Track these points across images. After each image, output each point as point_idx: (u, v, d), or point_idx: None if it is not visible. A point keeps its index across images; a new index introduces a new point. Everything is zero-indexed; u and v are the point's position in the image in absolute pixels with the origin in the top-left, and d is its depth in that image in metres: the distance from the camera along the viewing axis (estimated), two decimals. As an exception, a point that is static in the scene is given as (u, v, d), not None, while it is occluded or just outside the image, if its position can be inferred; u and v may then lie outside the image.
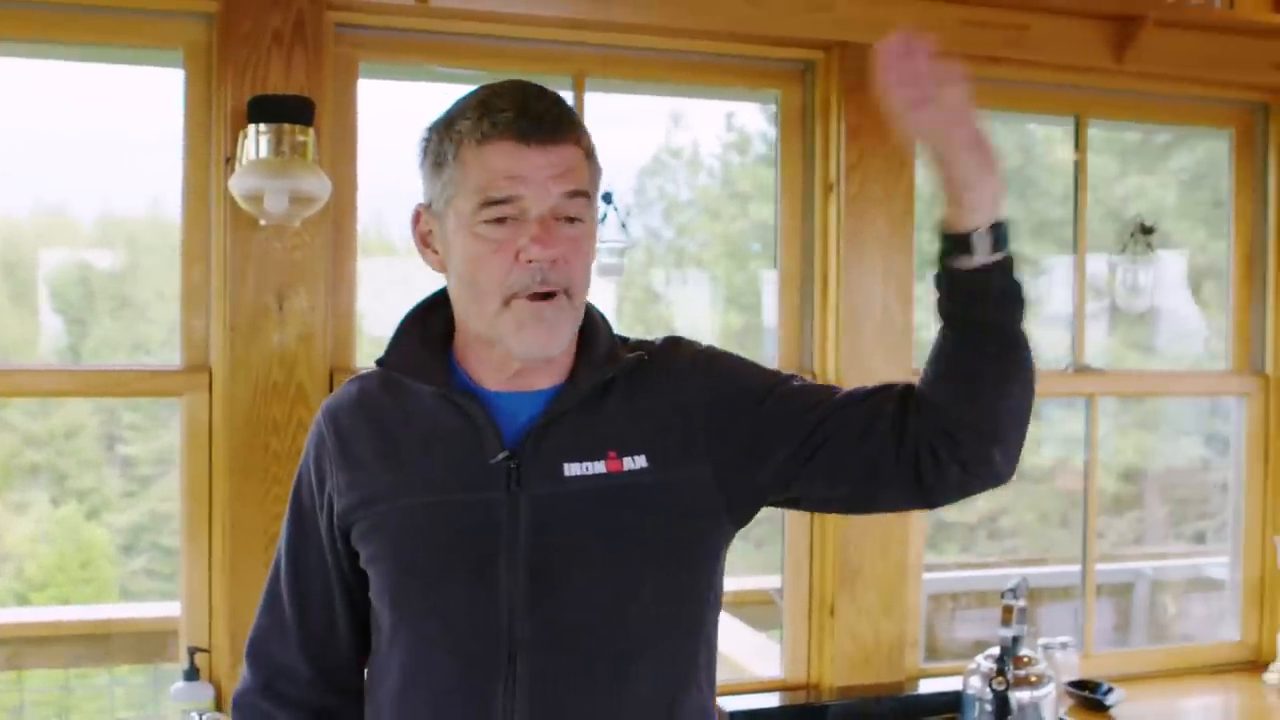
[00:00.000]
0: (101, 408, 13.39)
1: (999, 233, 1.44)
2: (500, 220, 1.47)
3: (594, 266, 1.58)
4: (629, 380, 1.58)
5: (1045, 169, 10.02)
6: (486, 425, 1.54)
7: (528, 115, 1.47)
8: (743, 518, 1.61)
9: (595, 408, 1.56)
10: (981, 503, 10.12)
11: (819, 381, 1.70)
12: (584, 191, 1.50)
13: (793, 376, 1.65)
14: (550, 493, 1.52)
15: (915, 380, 1.55)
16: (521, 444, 1.53)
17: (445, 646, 1.54)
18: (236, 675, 2.56)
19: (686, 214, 10.76)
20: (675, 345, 1.65)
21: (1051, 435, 10.10)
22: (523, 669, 1.51)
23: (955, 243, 1.45)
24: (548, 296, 1.49)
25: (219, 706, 2.60)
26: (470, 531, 1.53)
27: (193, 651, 2.61)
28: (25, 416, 12.80)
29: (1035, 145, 9.87)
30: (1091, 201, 3.39)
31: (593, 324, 1.61)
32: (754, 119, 10.65)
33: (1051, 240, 9.92)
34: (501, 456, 1.53)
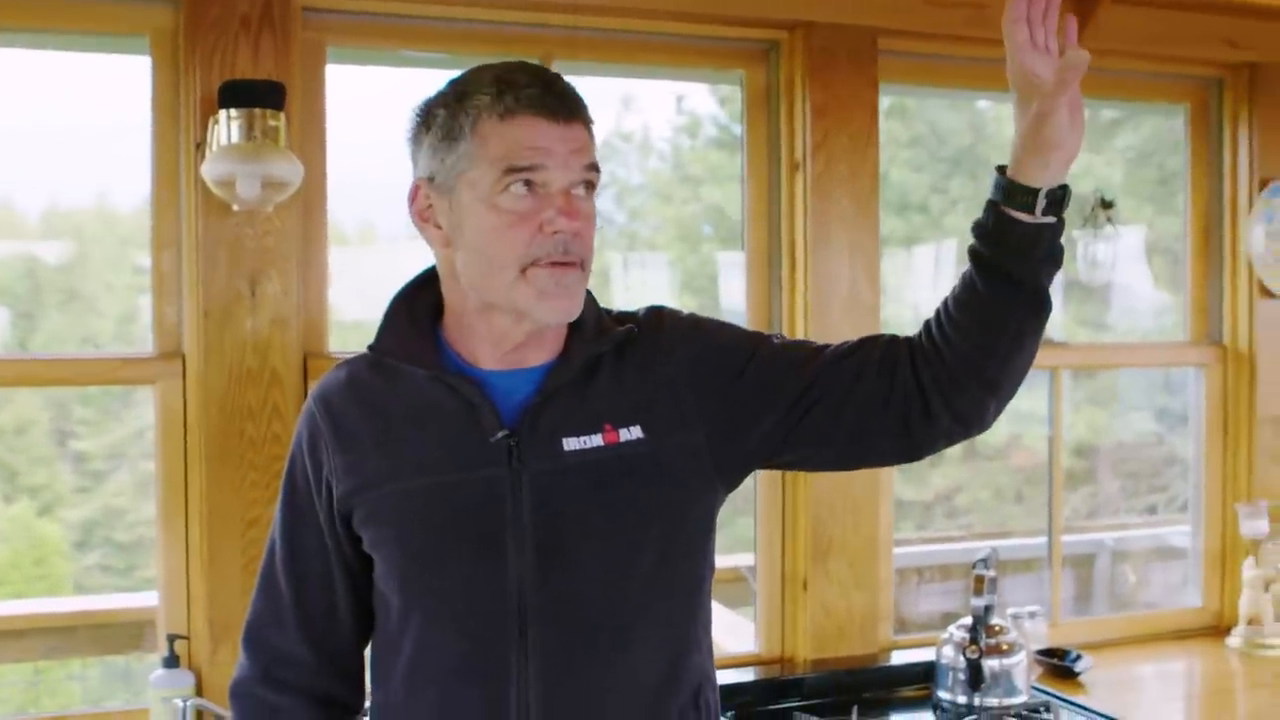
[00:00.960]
0: (52, 403, 13.24)
1: (1060, 195, 1.47)
2: (525, 191, 1.49)
3: None
4: (617, 352, 1.61)
5: (995, 147, 10.10)
6: (483, 404, 1.56)
7: (552, 92, 1.51)
8: (733, 481, 1.66)
9: (588, 382, 1.59)
10: (937, 480, 10.21)
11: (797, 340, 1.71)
12: (595, 166, 1.55)
13: (774, 336, 1.68)
14: (551, 468, 1.54)
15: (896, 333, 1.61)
16: (520, 421, 1.55)
17: (456, 625, 1.56)
18: (216, 661, 2.59)
19: (638, 198, 10.77)
20: (658, 315, 1.68)
21: (1005, 412, 10.21)
22: (534, 642, 1.53)
23: (1021, 194, 1.46)
24: (571, 265, 1.52)
25: (199, 693, 2.59)
26: (471, 510, 1.55)
27: (172, 639, 2.61)
28: (-28, 413, 12.64)
29: (986, 124, 9.95)
30: None
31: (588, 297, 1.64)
32: (704, 102, 10.66)
33: (1002, 219, 10.01)
34: (501, 434, 1.54)
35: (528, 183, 1.49)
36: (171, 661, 2.60)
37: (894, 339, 1.59)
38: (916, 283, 8.64)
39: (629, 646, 1.56)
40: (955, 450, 9.85)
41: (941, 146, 10.39)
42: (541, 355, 1.60)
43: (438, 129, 1.54)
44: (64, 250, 13.84)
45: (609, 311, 1.68)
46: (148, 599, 3.51)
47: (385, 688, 1.63)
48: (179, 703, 2.29)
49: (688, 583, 1.62)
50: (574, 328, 1.61)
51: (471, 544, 1.55)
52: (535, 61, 2.80)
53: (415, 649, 1.58)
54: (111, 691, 4.35)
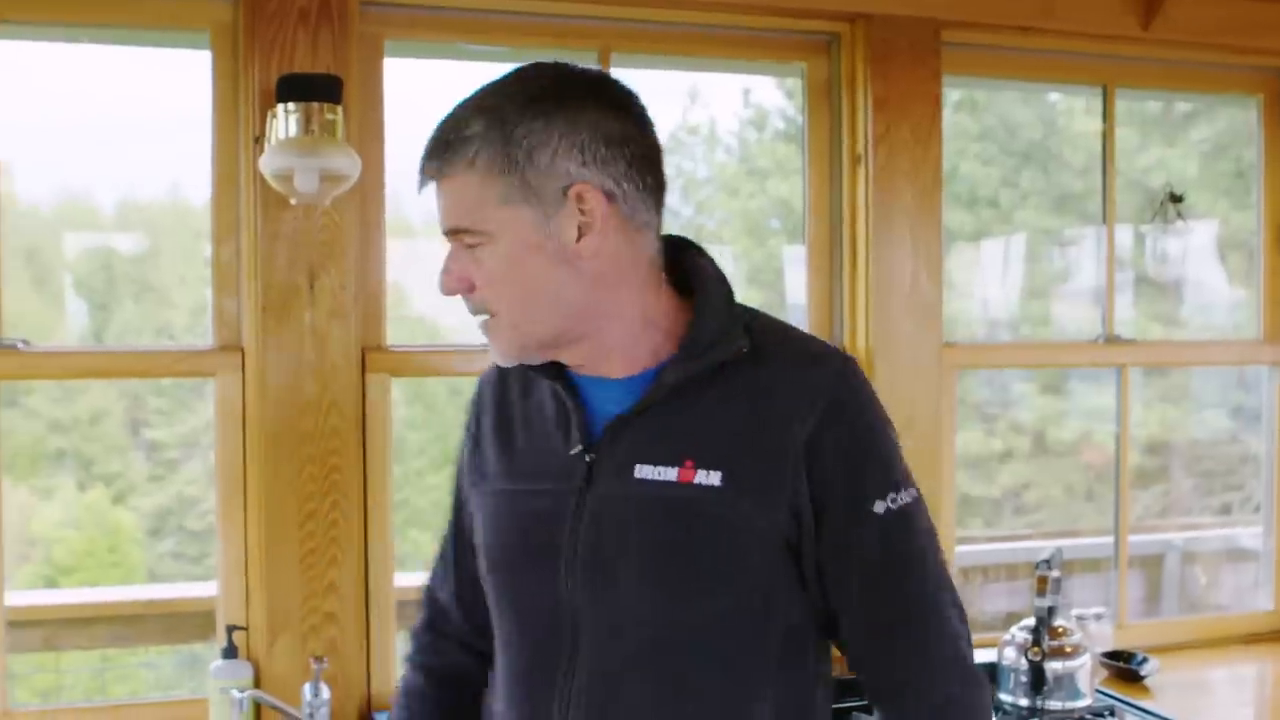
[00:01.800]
0: (126, 393, 13.43)
1: None
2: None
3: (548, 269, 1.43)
4: (737, 373, 1.46)
5: (1067, 141, 9.97)
6: (574, 414, 1.50)
7: (426, 148, 1.45)
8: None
9: (686, 405, 1.46)
10: (1005, 476, 10.10)
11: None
12: (457, 229, 1.43)
13: (891, 543, 1.47)
14: (616, 493, 1.46)
15: None
16: (601, 438, 1.49)
17: (519, 632, 1.55)
18: (274, 653, 2.61)
19: (704, 191, 10.73)
20: (839, 376, 1.47)
21: (1075, 409, 10.07)
22: (581, 663, 1.48)
23: None
24: (479, 316, 1.46)
25: (258, 684, 2.61)
26: (537, 522, 1.51)
27: (231, 630, 2.62)
28: (50, 402, 12.85)
29: (1057, 117, 9.81)
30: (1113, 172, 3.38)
31: (704, 301, 1.50)
32: (771, 95, 10.61)
33: (1074, 213, 9.88)
34: (577, 450, 1.49)
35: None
36: (230, 652, 2.62)
37: None
38: (985, 278, 8.54)
39: (669, 693, 1.47)
40: (1024, 446, 9.68)
41: (1012, 140, 10.26)
42: (624, 368, 1.50)
43: None
44: (138, 242, 14.02)
45: (752, 315, 1.52)
46: (213, 588, 3.54)
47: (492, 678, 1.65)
48: (236, 694, 2.31)
49: (746, 648, 1.48)
50: (687, 336, 1.48)
51: (532, 557, 1.52)
52: (592, 54, 2.84)
53: (500, 645, 1.59)
54: (179, 679, 4.39)
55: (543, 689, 1.50)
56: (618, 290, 1.45)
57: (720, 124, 10.76)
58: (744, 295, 1.53)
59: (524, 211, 1.40)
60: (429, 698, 1.74)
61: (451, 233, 1.44)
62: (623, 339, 1.48)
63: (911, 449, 1.51)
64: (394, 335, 2.77)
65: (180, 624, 3.68)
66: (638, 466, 1.45)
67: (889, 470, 1.46)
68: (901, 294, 2.97)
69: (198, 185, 2.70)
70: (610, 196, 1.41)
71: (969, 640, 1.50)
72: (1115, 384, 3.36)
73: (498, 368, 1.60)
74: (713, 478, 1.42)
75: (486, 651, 1.66)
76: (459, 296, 1.47)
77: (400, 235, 2.92)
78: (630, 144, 1.43)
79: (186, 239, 14.05)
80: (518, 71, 1.45)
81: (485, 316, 1.45)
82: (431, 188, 1.45)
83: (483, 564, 1.59)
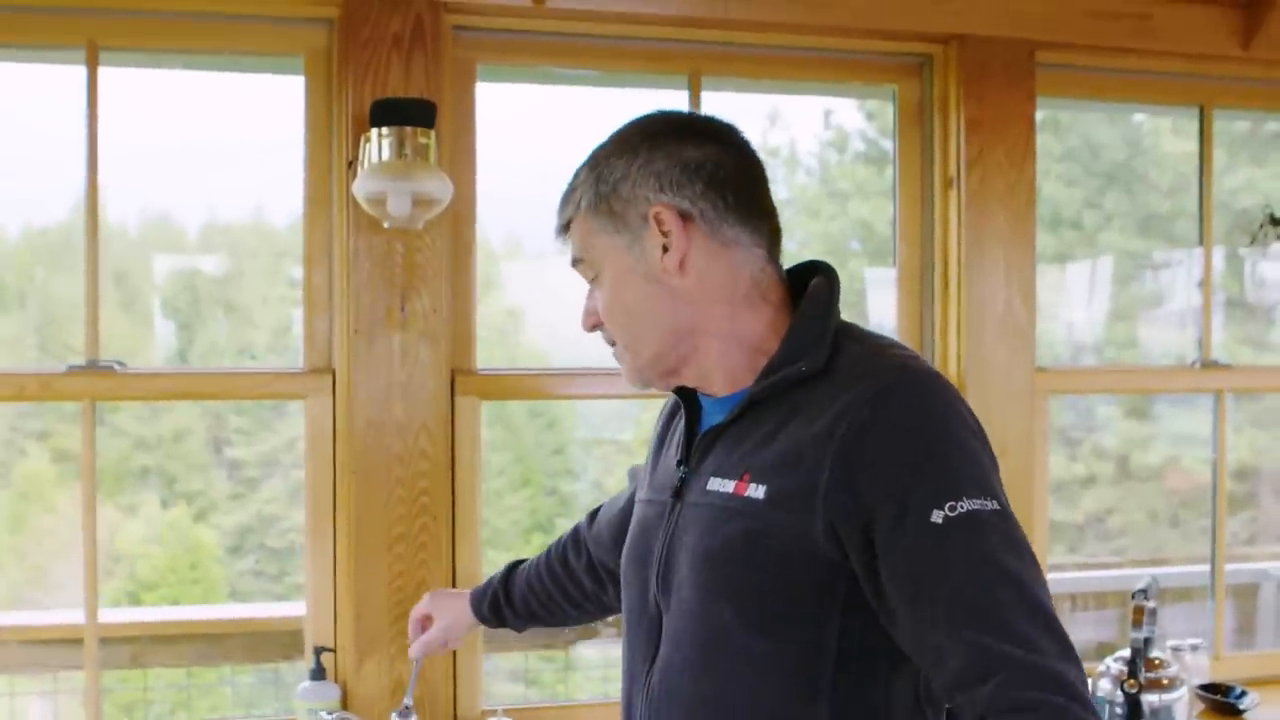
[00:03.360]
0: (209, 412, 13.60)
1: None
2: None
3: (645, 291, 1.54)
4: (806, 391, 1.49)
5: (1153, 162, 9.85)
6: (684, 431, 1.64)
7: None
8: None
9: (758, 420, 1.52)
10: (1089, 501, 9.96)
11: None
12: (577, 259, 1.61)
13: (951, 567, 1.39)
14: (694, 503, 1.56)
15: None
16: (693, 454, 1.59)
17: (628, 626, 1.67)
18: (362, 675, 2.61)
19: (785, 213, 10.66)
20: (885, 394, 1.44)
21: (1161, 434, 9.92)
22: (658, 660, 1.58)
23: None
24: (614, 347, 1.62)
25: (345, 705, 2.62)
26: (644, 530, 1.65)
27: (319, 651, 2.63)
28: (135, 420, 13.07)
29: (1143, 138, 9.69)
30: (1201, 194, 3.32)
31: (795, 323, 1.54)
32: (852, 116, 10.57)
33: (1160, 235, 9.75)
34: (676, 464, 1.62)
35: None
36: (318, 673, 2.63)
37: None
38: (1070, 300, 8.44)
39: (722, 697, 1.51)
40: (1107, 471, 9.54)
41: (1095, 161, 10.15)
42: (727, 386, 1.58)
43: None
44: (221, 263, 14.24)
45: (829, 343, 1.51)
46: (297, 608, 3.56)
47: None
48: (325, 715, 2.31)
49: (795, 662, 1.48)
50: (774, 358, 1.53)
51: (639, 562, 1.64)
52: (682, 77, 2.84)
53: (622, 650, 1.70)
54: (261, 699, 4.42)
55: (635, 683, 1.62)
56: (711, 307, 1.54)
57: (800, 145, 10.75)
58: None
59: (617, 240, 1.54)
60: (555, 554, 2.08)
61: (574, 264, 1.61)
62: (721, 358, 1.56)
63: (1003, 474, 1.45)
64: (506, 359, 2.77)
65: (263, 643, 3.71)
66: (711, 479, 1.54)
67: (949, 477, 1.40)
68: (994, 318, 2.93)
69: (281, 208, 2.72)
70: (686, 215, 1.51)
71: (1066, 658, 1.37)
72: (1211, 409, 3.28)
73: (673, 392, 1.72)
74: (759, 491, 1.47)
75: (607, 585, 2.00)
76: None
77: (481, 258, 2.92)
78: (707, 167, 1.52)
79: (269, 260, 14.25)
80: (628, 121, 1.60)
81: (616, 348, 1.61)
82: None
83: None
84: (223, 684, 4.76)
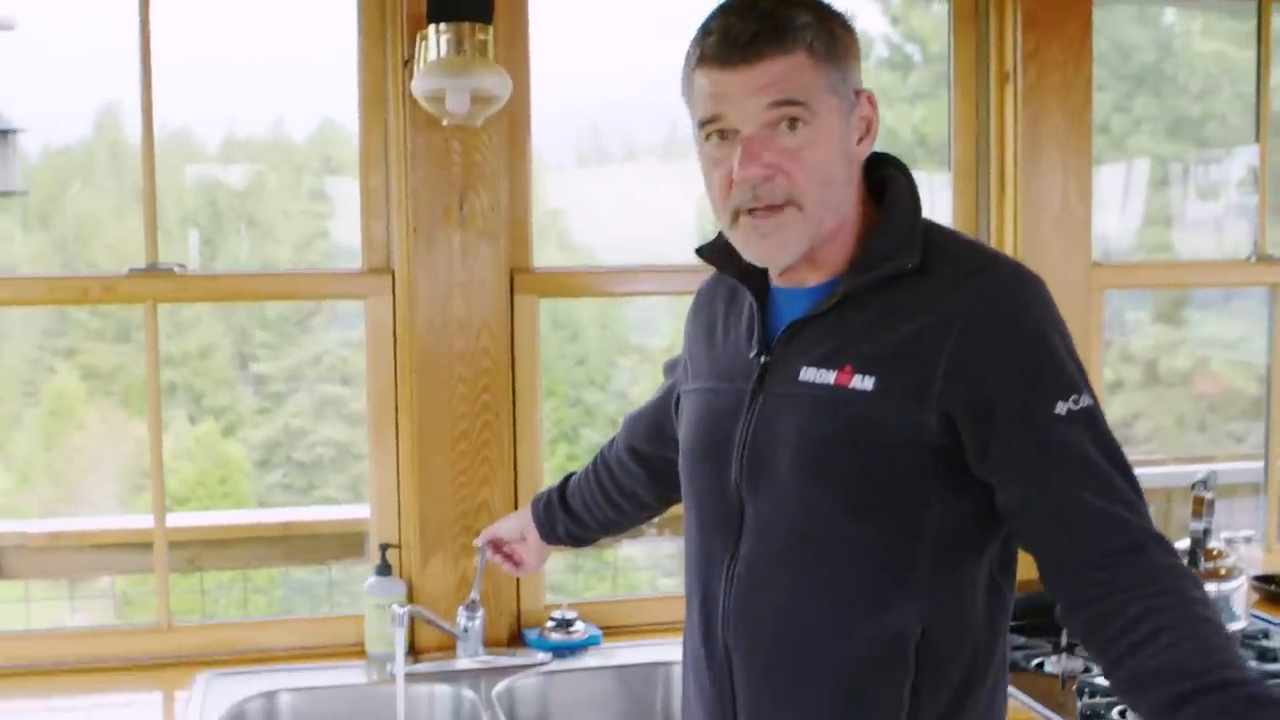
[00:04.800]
0: (233, 327, 13.65)
1: None
2: (720, 140, 1.51)
3: (841, 163, 1.52)
4: (905, 286, 1.51)
5: (1183, 64, 9.72)
6: (758, 320, 1.61)
7: (728, 39, 1.47)
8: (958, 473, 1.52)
9: (851, 312, 1.53)
10: (1117, 406, 9.95)
11: None
12: (791, 100, 1.47)
13: (1068, 448, 1.45)
14: (783, 393, 1.55)
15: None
16: (776, 343, 1.58)
17: (698, 519, 1.66)
18: (427, 571, 2.65)
19: (809, 120, 10.63)
20: (996, 289, 1.49)
21: (1189, 338, 9.89)
22: (742, 552, 1.58)
23: None
24: (772, 209, 1.50)
25: (411, 601, 2.65)
26: (718, 420, 1.62)
27: (384, 548, 2.67)
28: (161, 338, 13.11)
29: (1173, 40, 9.56)
30: (1231, 95, 3.29)
31: (888, 217, 1.56)
32: (875, 21, 10.43)
33: (1190, 138, 9.65)
34: (754, 354, 1.60)
35: (721, 133, 1.50)
36: (384, 570, 2.66)
37: (1080, 602, 1.45)
38: (1102, 205, 8.38)
39: (808, 588, 1.54)
40: (1134, 376, 9.51)
41: (1125, 63, 10.02)
42: (820, 275, 1.58)
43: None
44: (242, 178, 14.19)
45: (919, 238, 1.53)
46: (348, 511, 3.61)
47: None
48: (397, 609, 2.34)
49: (893, 550, 1.51)
50: (865, 247, 1.55)
51: (711, 451, 1.62)
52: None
53: (686, 534, 1.71)
54: (320, 599, 4.48)
55: (713, 573, 1.62)
56: (852, 197, 1.56)
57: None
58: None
59: (838, 104, 1.50)
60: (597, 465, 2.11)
61: (776, 104, 1.46)
62: (841, 246, 1.57)
63: None
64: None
65: (319, 545, 3.76)
66: (803, 369, 1.54)
67: (1067, 372, 1.47)
68: (1051, 214, 2.92)
69: (300, 122, 2.71)
70: (874, 104, 1.55)
71: (1172, 551, 1.46)
72: (1266, 302, 3.27)
73: (714, 279, 1.73)
74: (866, 382, 1.48)
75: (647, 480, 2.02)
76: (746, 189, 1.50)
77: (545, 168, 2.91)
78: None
79: (289, 175, 14.20)
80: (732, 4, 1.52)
81: (786, 210, 1.49)
82: (718, 77, 1.49)
83: (680, 459, 1.71)
84: (275, 586, 4.84)
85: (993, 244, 2.94)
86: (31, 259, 13.04)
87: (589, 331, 13.44)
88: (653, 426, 1.98)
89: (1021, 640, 2.60)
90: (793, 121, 1.47)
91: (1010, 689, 1.68)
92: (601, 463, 2.10)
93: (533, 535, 2.16)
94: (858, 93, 1.52)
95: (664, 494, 2.03)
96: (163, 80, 2.63)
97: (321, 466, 13.05)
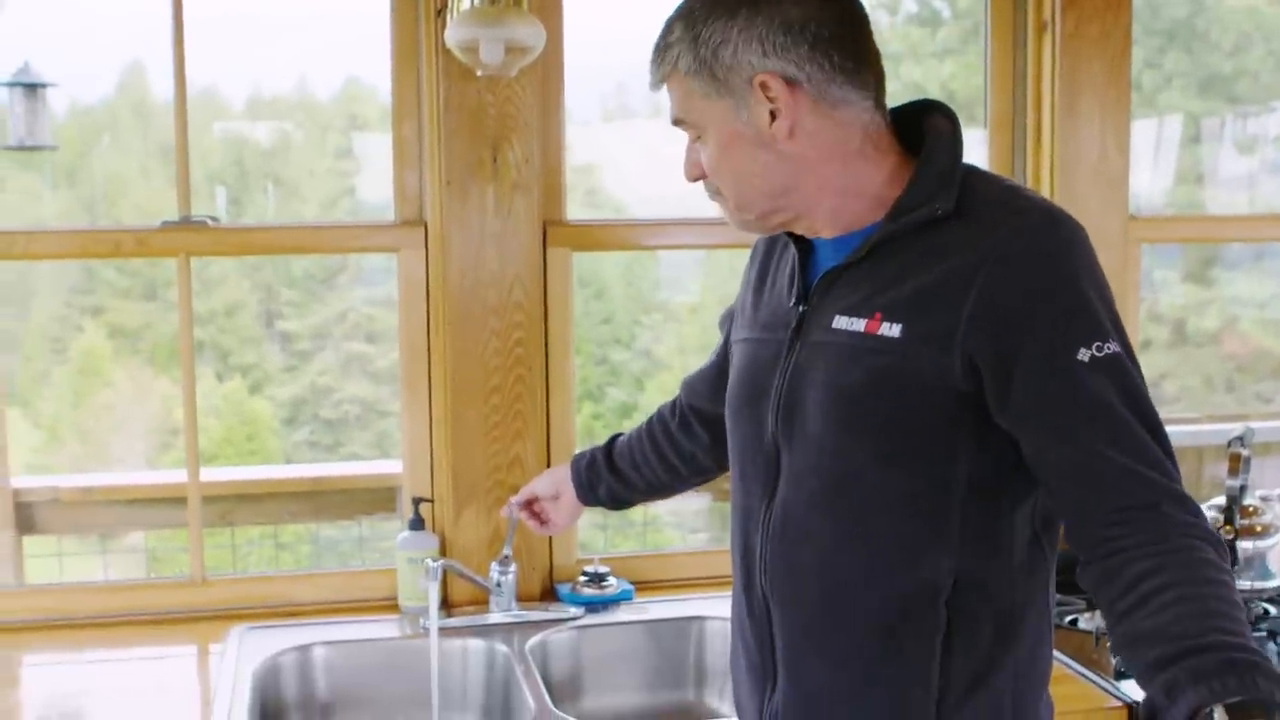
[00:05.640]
0: (259, 285, 13.69)
1: None
2: None
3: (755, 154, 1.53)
4: (939, 232, 1.49)
5: (1214, 20, 9.63)
6: (797, 270, 1.61)
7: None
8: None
9: (889, 260, 1.51)
10: (1145, 368, 9.90)
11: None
12: (679, 119, 1.58)
13: (1094, 398, 1.42)
14: (818, 341, 1.55)
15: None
16: (813, 292, 1.58)
17: (739, 468, 1.68)
18: (460, 525, 2.65)
19: (837, 77, 10.57)
20: (1025, 228, 1.46)
21: (1219, 297, 9.84)
22: (778, 499, 1.59)
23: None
24: (718, 197, 1.61)
25: (443, 553, 2.65)
26: (758, 369, 1.63)
27: (417, 502, 2.67)
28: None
29: (1205, -5, 9.48)
30: (1264, 52, 3.25)
31: (922, 165, 1.53)
32: (904, -23, 10.38)
33: (1221, 95, 9.57)
34: (793, 303, 1.60)
35: None
36: (417, 524, 2.66)
37: (1091, 558, 1.43)
38: (1133, 162, 8.32)
39: (848, 532, 1.54)
40: (1162, 335, 9.49)
41: (1155, 19, 9.93)
42: (837, 231, 1.57)
43: None
44: (267, 136, 14.21)
45: (957, 184, 1.50)
46: (378, 466, 3.62)
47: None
48: (430, 563, 2.34)
49: (924, 498, 1.50)
50: (902, 196, 1.52)
51: (751, 400, 1.63)
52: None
53: (731, 484, 1.71)
54: (349, 552, 4.50)
55: (751, 521, 1.63)
56: (823, 166, 1.52)
57: (853, 8, 10.58)
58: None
59: (721, 104, 1.52)
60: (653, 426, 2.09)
61: (675, 123, 1.59)
62: (836, 210, 1.55)
63: None
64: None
65: (348, 500, 3.77)
66: (836, 317, 1.53)
67: (1094, 318, 1.43)
68: (1088, 165, 2.88)
69: (323, 80, 2.70)
70: (793, 81, 1.48)
71: (1192, 509, 1.42)
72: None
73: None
74: (894, 329, 1.47)
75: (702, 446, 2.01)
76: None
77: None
78: (811, 27, 1.48)
79: (314, 133, 14.20)
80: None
81: (720, 198, 1.60)
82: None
83: (725, 411, 1.72)
84: (302, 542, 4.86)
85: (1029, 196, 2.91)
86: (59, 215, 13.10)
87: (614, 289, 13.43)
88: (711, 386, 1.96)
89: (1056, 596, 2.58)
90: (696, 134, 1.57)
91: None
92: (659, 425, 2.07)
93: (568, 494, 2.14)
94: (750, 80, 1.48)
95: (724, 457, 1.97)
96: (189, 37, 2.62)
97: (348, 424, 13.12)
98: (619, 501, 2.13)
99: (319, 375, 13.31)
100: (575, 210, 2.88)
